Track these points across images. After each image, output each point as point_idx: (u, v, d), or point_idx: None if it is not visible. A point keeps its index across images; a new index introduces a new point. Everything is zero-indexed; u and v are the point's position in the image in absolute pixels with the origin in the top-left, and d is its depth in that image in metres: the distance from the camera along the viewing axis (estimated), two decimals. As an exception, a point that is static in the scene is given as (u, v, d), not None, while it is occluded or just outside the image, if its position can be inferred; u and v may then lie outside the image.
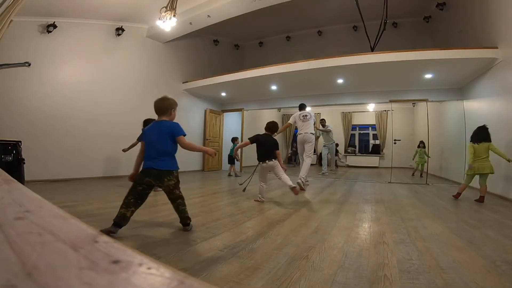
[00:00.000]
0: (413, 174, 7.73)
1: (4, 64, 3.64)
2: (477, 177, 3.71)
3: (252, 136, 3.61)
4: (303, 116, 5.02)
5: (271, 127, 3.67)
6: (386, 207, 3.28)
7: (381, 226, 2.41)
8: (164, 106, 2.17)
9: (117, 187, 4.08)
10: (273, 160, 3.49)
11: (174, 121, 2.22)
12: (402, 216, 2.80)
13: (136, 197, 2.02)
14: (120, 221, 1.93)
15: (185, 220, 2.14)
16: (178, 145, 2.16)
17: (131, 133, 5.94)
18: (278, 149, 3.63)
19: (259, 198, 3.46)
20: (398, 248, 1.83)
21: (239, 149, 4.26)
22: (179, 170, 2.21)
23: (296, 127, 5.36)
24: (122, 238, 1.88)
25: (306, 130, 4.93)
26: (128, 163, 6.10)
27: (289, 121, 5.16)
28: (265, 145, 3.53)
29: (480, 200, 3.61)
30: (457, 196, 3.87)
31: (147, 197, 2.09)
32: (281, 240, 1.97)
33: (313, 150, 5.05)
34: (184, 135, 2.14)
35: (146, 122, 3.77)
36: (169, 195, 2.14)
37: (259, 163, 3.54)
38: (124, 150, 4.23)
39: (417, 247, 1.85)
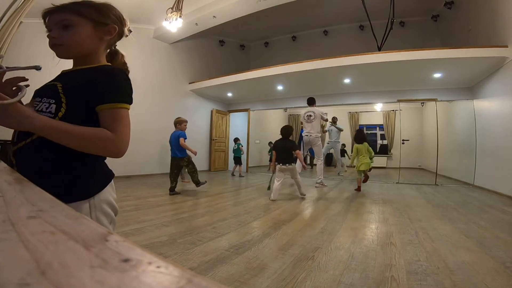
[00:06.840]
0: None
1: (13, 67, 3.70)
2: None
3: (273, 145, 3.76)
4: (307, 116, 4.96)
5: (286, 132, 3.75)
6: (394, 207, 3.24)
7: (388, 226, 2.38)
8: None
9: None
10: (292, 164, 3.62)
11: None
12: (410, 216, 2.76)
13: None
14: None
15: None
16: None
17: (137, 134, 6.01)
18: (296, 149, 3.71)
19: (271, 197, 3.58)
20: (406, 249, 1.81)
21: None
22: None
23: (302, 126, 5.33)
24: (129, 237, 1.90)
25: (311, 131, 4.87)
26: (127, 163, 6.16)
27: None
28: (282, 151, 3.65)
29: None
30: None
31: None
32: (287, 240, 1.97)
33: (322, 152, 5.04)
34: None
35: None
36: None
37: (278, 164, 3.67)
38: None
39: (425, 248, 1.83)
